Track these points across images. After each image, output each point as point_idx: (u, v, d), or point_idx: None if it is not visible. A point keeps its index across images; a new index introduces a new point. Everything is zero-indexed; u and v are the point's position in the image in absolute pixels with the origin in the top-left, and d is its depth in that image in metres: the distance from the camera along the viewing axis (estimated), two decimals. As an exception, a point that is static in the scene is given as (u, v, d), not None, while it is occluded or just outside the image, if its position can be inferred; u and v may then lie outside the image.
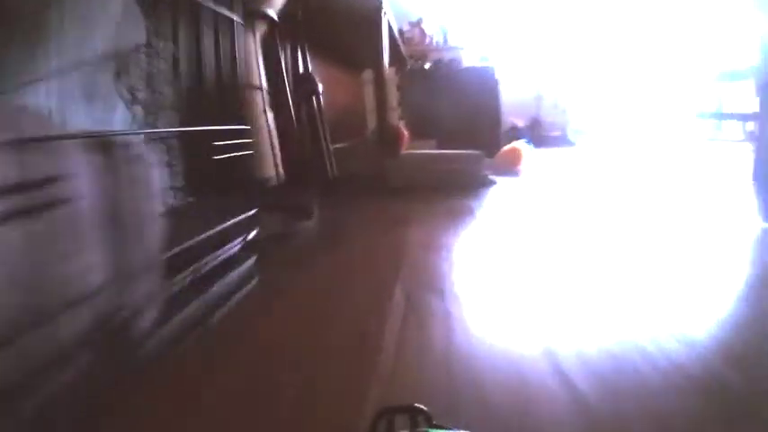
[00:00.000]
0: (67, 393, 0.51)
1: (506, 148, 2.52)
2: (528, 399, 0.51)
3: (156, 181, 0.74)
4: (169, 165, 1.13)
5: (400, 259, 1.03)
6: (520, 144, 2.56)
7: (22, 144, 0.49)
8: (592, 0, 4.87)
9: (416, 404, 0.41)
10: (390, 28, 2.57)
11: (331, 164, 1.91)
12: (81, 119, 1.12)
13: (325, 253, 1.12)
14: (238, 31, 1.17)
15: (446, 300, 0.78)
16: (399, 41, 3.11)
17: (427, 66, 3.36)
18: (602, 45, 5.10)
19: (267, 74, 1.41)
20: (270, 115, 1.32)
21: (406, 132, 2.16)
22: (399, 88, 3.49)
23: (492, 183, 1.97)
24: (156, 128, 1.02)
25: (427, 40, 4.97)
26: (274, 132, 1.35)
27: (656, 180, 2.05)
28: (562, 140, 4.66)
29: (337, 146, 2.29)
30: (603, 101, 5.22)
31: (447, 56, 4.42)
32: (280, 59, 1.54)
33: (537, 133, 5.06)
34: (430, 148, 2.50)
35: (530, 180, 2.20)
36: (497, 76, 3.09)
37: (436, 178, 1.93)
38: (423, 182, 1.93)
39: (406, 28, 4.90)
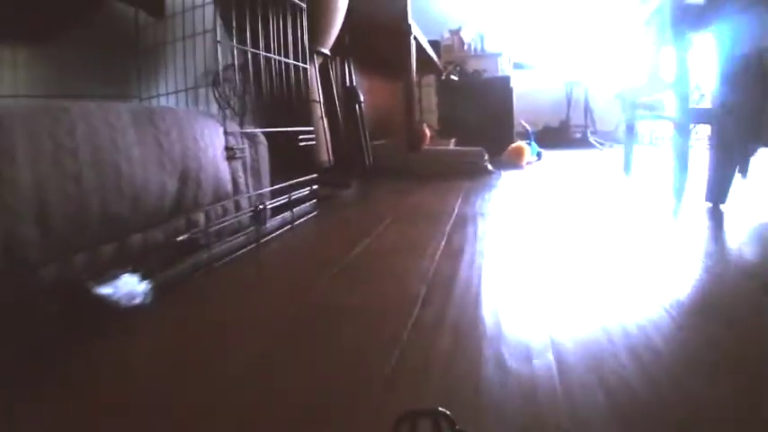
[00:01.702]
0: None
1: (512, 146, 3.12)
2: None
3: (267, 155, 1.41)
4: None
5: (407, 208, 1.68)
6: (523, 144, 3.15)
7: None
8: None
9: (439, 408, 0.42)
10: (420, 44, 3.19)
11: (368, 155, 2.57)
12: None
13: (357, 205, 1.79)
14: (304, 70, 1.84)
15: (422, 222, 1.43)
16: (432, 53, 3.71)
17: (453, 77, 3.98)
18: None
19: (322, 90, 2.08)
20: (325, 120, 2.00)
21: (428, 132, 2.80)
22: (438, 94, 4.12)
23: (490, 172, 2.59)
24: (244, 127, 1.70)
25: (465, 48, 5.51)
26: (327, 132, 2.02)
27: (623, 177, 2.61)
28: (582, 143, 5.11)
29: (377, 142, 2.95)
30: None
31: (483, 63, 4.99)
32: (330, 79, 2.22)
33: (565, 136, 5.53)
34: (451, 146, 3.14)
35: (527, 172, 2.79)
36: (511, 85, 3.68)
37: (447, 168, 2.57)
38: (437, 170, 2.57)
39: (446, 36, 5.46)
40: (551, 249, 1.11)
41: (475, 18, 5.72)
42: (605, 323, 0.70)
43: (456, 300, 0.81)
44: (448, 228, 1.34)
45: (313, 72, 1.98)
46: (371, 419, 0.50)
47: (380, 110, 3.66)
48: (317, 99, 1.96)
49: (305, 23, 1.75)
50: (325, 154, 1.97)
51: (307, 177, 1.51)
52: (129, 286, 0.83)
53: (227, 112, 1.71)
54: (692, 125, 1.72)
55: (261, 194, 1.28)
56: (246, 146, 1.26)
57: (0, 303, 0.68)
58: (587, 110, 5.49)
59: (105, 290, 0.79)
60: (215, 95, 1.82)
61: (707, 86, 1.66)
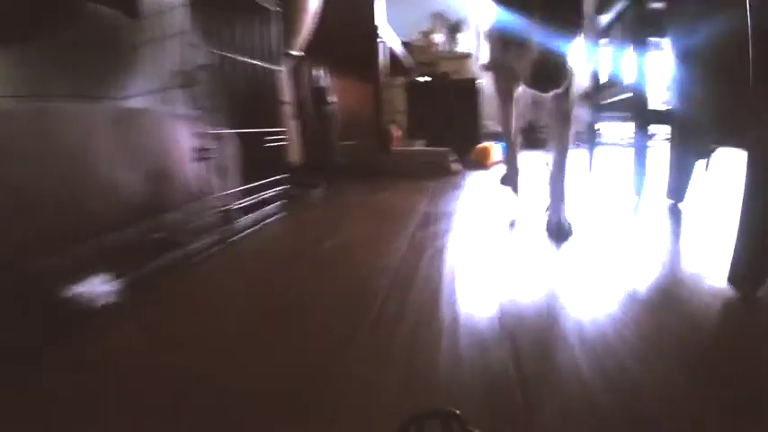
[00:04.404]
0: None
1: (479, 146, 3.20)
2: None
3: (236, 155, 1.44)
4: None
5: (374, 207, 1.74)
6: (490, 144, 3.23)
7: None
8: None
9: (449, 409, 0.41)
10: (389, 48, 3.23)
11: (337, 156, 2.62)
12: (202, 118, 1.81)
13: (326, 205, 1.84)
14: (274, 73, 1.88)
15: (388, 221, 1.48)
16: (403, 55, 3.77)
17: (423, 79, 4.05)
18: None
19: (293, 91, 2.12)
20: (295, 121, 2.03)
21: (395, 133, 2.86)
22: (407, 96, 4.17)
23: (456, 172, 2.66)
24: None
25: (435, 49, 5.58)
26: (298, 132, 2.06)
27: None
28: (544, 143, 5.22)
29: (347, 143, 2.99)
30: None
31: (454, 64, 5.06)
32: (301, 81, 2.26)
33: (532, 136, 5.64)
34: (419, 147, 3.20)
35: (493, 172, 2.86)
36: (477, 87, 3.77)
37: (415, 168, 2.63)
38: (405, 170, 2.62)
39: (416, 37, 5.52)
40: (509, 244, 1.18)
41: (447, 19, 5.76)
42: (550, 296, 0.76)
43: (415, 297, 0.85)
44: (412, 228, 1.39)
45: (284, 74, 2.01)
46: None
47: (351, 111, 3.70)
48: (288, 100, 2.00)
49: (277, 27, 1.79)
50: (295, 154, 2.01)
51: (277, 177, 1.55)
52: (102, 285, 0.86)
53: (200, 112, 1.71)
54: (651, 125, 1.80)
55: (230, 194, 1.32)
56: (216, 146, 1.30)
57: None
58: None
59: (76, 289, 0.82)
60: (186, 96, 1.84)
61: (666, 89, 1.73)
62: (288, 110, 2.03)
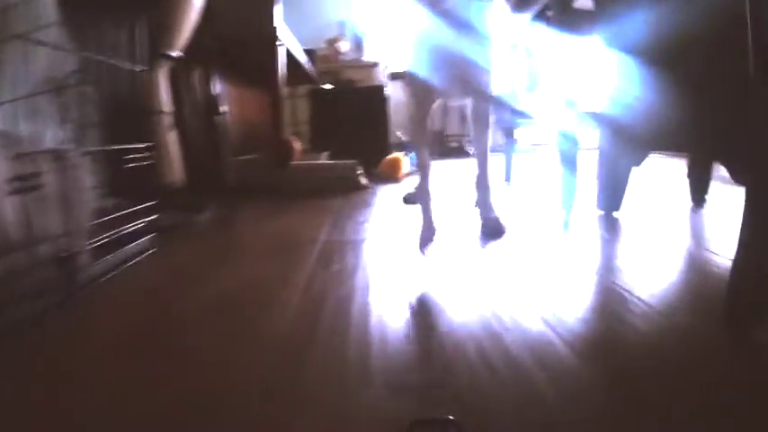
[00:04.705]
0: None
1: (388, 158, 3.00)
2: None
3: (87, 180, 1.14)
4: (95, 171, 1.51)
5: (267, 237, 1.48)
6: (400, 155, 3.05)
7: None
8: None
9: (448, 416, 0.42)
10: (291, 53, 2.97)
11: (228, 172, 2.32)
12: (26, 134, 1.48)
13: (209, 236, 1.56)
14: (142, 74, 1.57)
15: (283, 256, 1.23)
16: (306, 62, 3.51)
17: (327, 86, 3.83)
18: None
19: (174, 99, 1.81)
20: (174, 133, 1.73)
21: (296, 146, 2.60)
22: (311, 105, 3.91)
23: (365, 187, 2.45)
24: (83, 143, 1.40)
25: (342, 57, 5.39)
26: (178, 146, 1.76)
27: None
28: (459, 152, 5.16)
29: (244, 157, 2.69)
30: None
31: (360, 73, 4.87)
32: (185, 88, 1.96)
33: (442, 145, 5.55)
34: (324, 160, 2.96)
35: (405, 185, 2.66)
36: (386, 94, 3.59)
37: (318, 184, 2.39)
38: (307, 187, 2.38)
39: (322, 45, 5.29)
40: (431, 274, 0.98)
41: (353, 27, 5.63)
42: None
43: (311, 382, 0.62)
44: (311, 266, 1.15)
45: (159, 79, 1.71)
46: None
47: (247, 121, 3.39)
48: (164, 109, 1.70)
49: (145, 21, 1.50)
50: (175, 173, 1.70)
51: (143, 206, 1.25)
52: None
53: (62, 127, 1.41)
54: (579, 130, 1.66)
55: (73, 235, 1.01)
56: (51, 171, 0.99)
57: None
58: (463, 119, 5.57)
59: None
60: (51, 107, 1.50)
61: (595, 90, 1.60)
62: (166, 120, 1.73)
